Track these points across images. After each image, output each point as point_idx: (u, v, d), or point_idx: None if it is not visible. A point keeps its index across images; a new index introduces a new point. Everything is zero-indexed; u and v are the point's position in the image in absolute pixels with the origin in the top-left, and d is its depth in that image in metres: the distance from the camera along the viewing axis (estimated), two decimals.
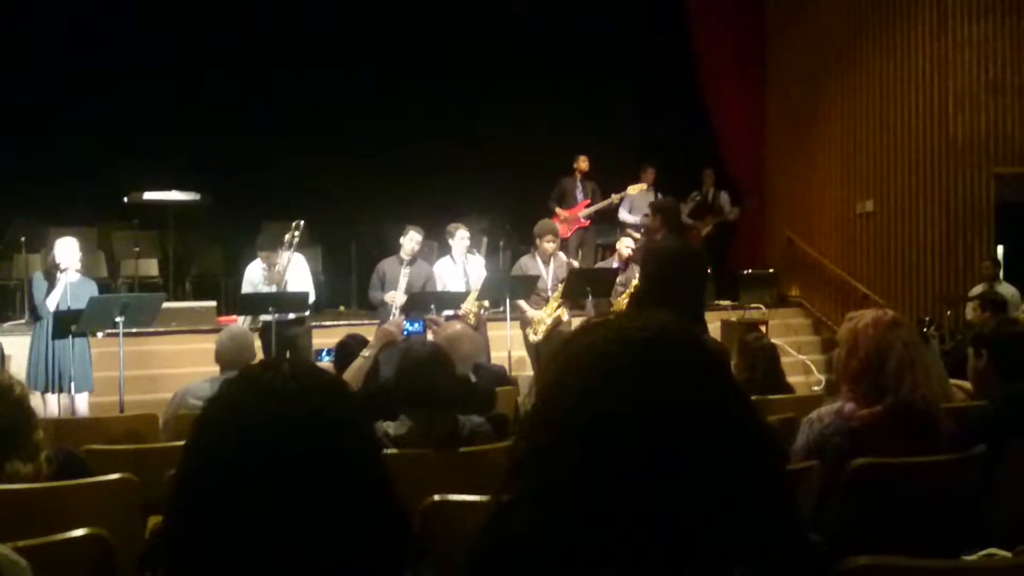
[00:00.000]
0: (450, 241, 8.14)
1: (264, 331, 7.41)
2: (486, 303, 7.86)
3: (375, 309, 8.22)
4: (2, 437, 2.75)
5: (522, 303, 7.92)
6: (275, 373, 1.23)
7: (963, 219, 10.61)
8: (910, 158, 10.87)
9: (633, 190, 10.52)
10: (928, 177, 10.77)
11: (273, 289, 7.60)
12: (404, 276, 7.82)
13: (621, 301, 7.97)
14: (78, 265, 7.04)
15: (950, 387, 4.22)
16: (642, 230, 10.68)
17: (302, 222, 7.70)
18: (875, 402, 2.90)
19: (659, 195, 11.35)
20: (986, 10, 10.49)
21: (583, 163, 10.70)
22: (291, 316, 7.68)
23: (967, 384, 3.99)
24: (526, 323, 7.95)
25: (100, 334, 7.10)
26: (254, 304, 7.53)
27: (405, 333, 5.11)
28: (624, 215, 11.11)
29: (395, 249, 8.03)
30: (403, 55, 11.64)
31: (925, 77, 10.75)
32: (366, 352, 4.35)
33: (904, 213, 10.93)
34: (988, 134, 10.52)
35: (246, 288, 7.79)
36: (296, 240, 7.65)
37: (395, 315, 7.61)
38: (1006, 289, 9.34)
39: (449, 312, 7.55)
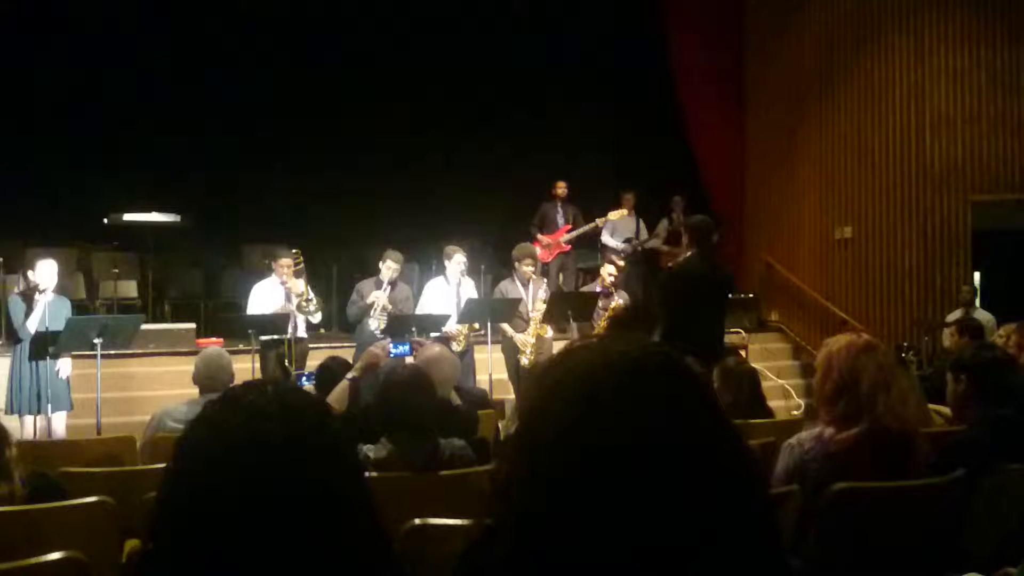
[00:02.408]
0: (446, 262, 8.13)
1: (264, 351, 7.53)
2: (476, 325, 7.86)
3: (353, 329, 8.22)
4: None
5: (507, 327, 7.91)
6: (258, 394, 1.22)
7: (940, 246, 10.72)
8: (888, 185, 10.98)
9: (614, 215, 10.58)
10: (905, 204, 10.88)
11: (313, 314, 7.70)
12: (385, 292, 7.87)
13: (602, 324, 7.99)
14: (54, 285, 7.00)
15: (929, 412, 4.25)
16: (623, 255, 10.75)
17: (298, 251, 7.80)
18: (851, 425, 2.92)
19: (640, 220, 11.46)
20: (962, 41, 10.65)
21: (560, 189, 10.75)
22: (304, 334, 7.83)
23: (946, 409, 4.01)
24: (516, 349, 7.92)
25: (63, 366, 7.00)
26: (237, 326, 7.54)
27: (391, 356, 5.07)
28: (606, 238, 11.16)
29: (377, 272, 8.04)
30: (385, 81, 11.67)
31: (902, 106, 10.88)
32: (351, 374, 4.33)
33: (882, 239, 11.03)
34: (965, 162, 10.65)
35: (255, 309, 7.77)
36: (302, 267, 7.73)
37: (377, 317, 7.70)
38: (982, 315, 9.41)
39: (436, 333, 7.54)
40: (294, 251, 7.82)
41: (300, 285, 7.70)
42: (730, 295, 6.30)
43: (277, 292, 7.80)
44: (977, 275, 10.91)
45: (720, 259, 11.18)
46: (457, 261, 8.06)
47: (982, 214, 10.64)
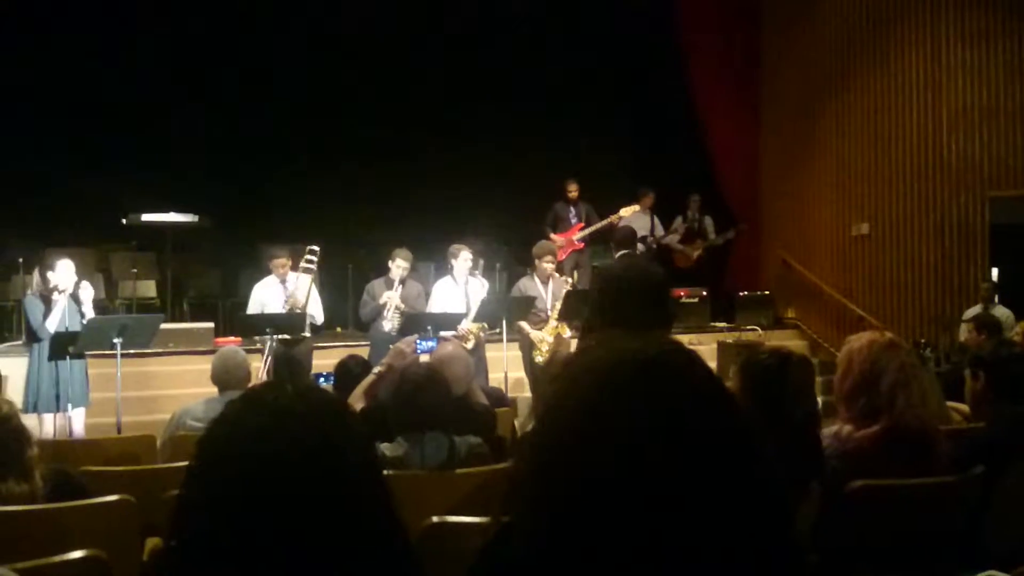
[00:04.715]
0: (453, 262, 8.13)
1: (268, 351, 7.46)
2: (485, 324, 7.88)
3: (367, 327, 8.24)
4: None
5: (524, 324, 7.91)
6: (278, 393, 1.24)
7: (958, 242, 10.65)
8: (905, 181, 10.93)
9: (627, 212, 10.51)
10: (923, 200, 10.82)
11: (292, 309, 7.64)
12: (396, 292, 7.88)
13: None
14: (72, 285, 7.04)
15: (947, 409, 4.23)
16: (639, 253, 10.72)
17: (317, 248, 7.74)
18: (871, 423, 2.91)
19: (655, 218, 11.45)
20: (979, 35, 10.58)
21: (572, 190, 10.73)
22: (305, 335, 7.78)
23: (963, 406, 3.99)
24: (531, 345, 7.93)
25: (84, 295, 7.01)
26: (253, 325, 7.54)
27: (418, 351, 5.07)
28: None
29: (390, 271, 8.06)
30: (399, 80, 11.68)
31: (919, 101, 10.82)
32: (378, 368, 4.34)
33: (899, 235, 10.98)
34: (982, 157, 10.58)
35: (253, 308, 7.78)
36: (314, 265, 7.69)
37: (388, 321, 7.72)
38: (1000, 311, 9.35)
39: (449, 333, 7.55)
40: (310, 247, 7.78)
41: (302, 294, 7.64)
42: (664, 293, 6.60)
43: (276, 290, 7.83)
44: (995, 271, 10.83)
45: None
46: (464, 259, 8.08)
47: (1000, 209, 10.56)
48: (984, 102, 10.55)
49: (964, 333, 8.84)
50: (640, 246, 11.07)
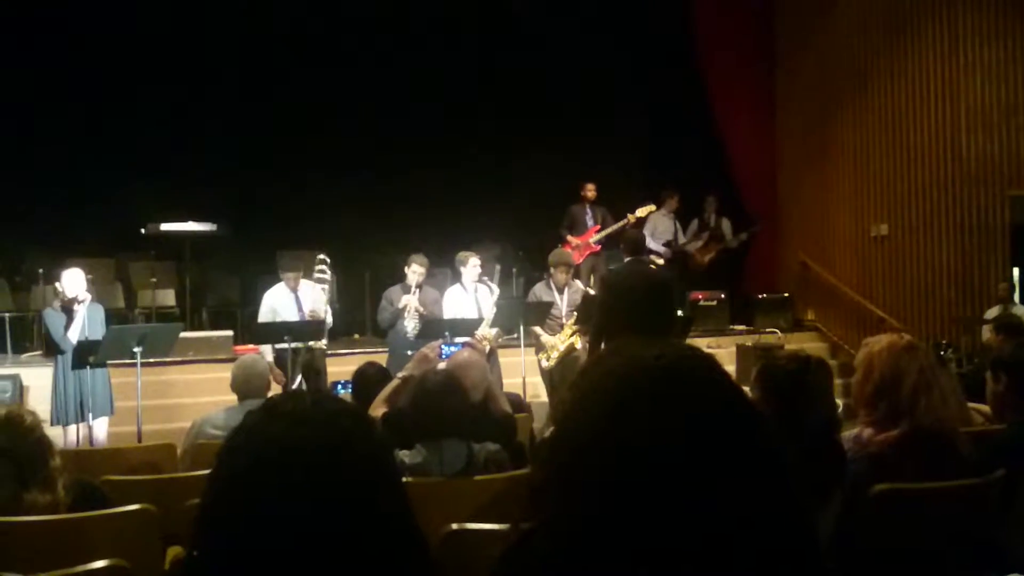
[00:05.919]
0: (461, 269, 8.17)
1: (280, 359, 7.45)
2: (498, 330, 7.90)
3: (386, 334, 8.26)
4: (17, 468, 2.76)
5: (537, 329, 7.95)
6: (297, 402, 1.25)
7: (978, 241, 10.59)
8: (923, 181, 10.87)
9: (642, 212, 10.44)
10: (942, 200, 10.76)
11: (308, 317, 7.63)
12: (414, 295, 7.91)
13: None
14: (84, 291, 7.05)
15: (968, 411, 4.19)
16: (664, 258, 10.73)
17: (326, 257, 7.76)
18: (891, 427, 2.89)
19: (676, 222, 11.44)
20: (996, 33, 10.52)
21: (590, 191, 10.72)
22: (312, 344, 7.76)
23: (985, 408, 3.96)
24: (539, 349, 7.98)
25: None
26: (270, 333, 7.55)
27: (443, 356, 5.06)
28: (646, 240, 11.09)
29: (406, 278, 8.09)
30: (414, 86, 11.71)
31: (937, 100, 10.77)
32: (402, 373, 4.34)
33: (918, 236, 10.92)
34: (1001, 156, 10.52)
35: (265, 315, 7.81)
36: (325, 275, 7.72)
37: (409, 321, 7.74)
38: (1021, 311, 9.29)
39: (464, 339, 7.57)
40: (320, 257, 7.81)
41: (320, 306, 7.65)
42: (670, 298, 6.32)
43: (288, 299, 7.85)
44: (1016, 271, 10.76)
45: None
46: (472, 265, 8.11)
47: (1020, 209, 10.50)
48: (1003, 101, 10.49)
49: (987, 333, 8.78)
50: (666, 250, 11.07)
